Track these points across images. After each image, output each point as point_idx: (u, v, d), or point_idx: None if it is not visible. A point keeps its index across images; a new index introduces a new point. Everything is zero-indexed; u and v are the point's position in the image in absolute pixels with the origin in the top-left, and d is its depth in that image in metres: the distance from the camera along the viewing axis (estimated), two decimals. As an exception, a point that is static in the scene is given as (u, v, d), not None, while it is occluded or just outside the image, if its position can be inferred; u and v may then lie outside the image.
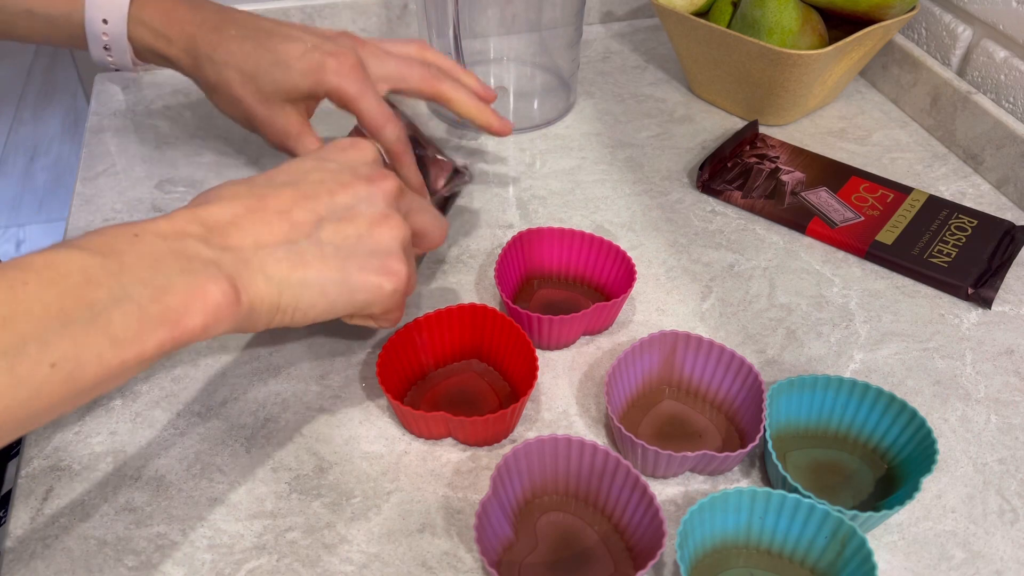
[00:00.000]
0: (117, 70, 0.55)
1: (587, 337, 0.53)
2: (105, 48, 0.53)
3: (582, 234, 0.54)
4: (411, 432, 0.47)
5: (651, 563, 0.37)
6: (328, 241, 0.38)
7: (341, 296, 0.38)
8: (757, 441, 0.43)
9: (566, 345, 0.52)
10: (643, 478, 0.40)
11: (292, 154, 0.54)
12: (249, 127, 0.55)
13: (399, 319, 0.44)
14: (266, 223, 0.36)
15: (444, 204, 0.56)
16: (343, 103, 0.52)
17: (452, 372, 0.50)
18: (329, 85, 0.51)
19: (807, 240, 0.61)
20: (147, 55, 0.54)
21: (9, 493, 0.59)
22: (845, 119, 0.75)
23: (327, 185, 0.39)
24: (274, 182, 0.38)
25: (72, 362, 0.29)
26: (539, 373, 0.50)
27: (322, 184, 0.39)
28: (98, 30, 0.52)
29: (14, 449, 0.60)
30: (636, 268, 0.53)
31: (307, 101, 0.53)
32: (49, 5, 0.52)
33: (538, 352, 0.51)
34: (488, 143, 0.71)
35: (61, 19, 0.53)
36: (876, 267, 0.59)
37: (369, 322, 0.43)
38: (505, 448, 0.46)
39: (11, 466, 0.60)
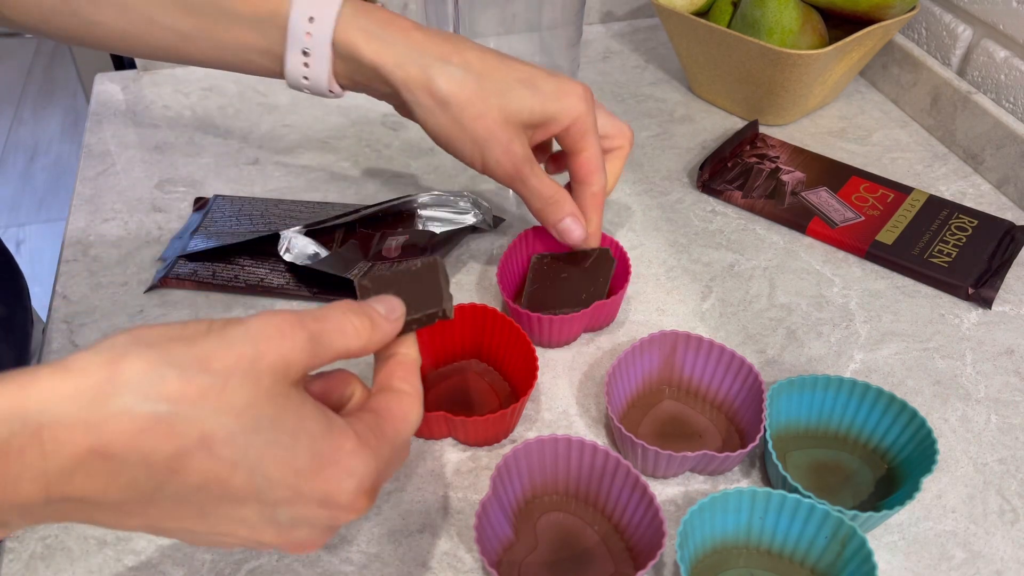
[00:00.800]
0: (310, 94, 0.48)
1: (587, 337, 0.53)
2: (304, 53, 0.45)
3: None
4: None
5: (651, 563, 0.37)
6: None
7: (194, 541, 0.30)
8: (757, 441, 0.43)
9: (567, 343, 0.52)
10: (643, 478, 0.40)
11: (519, 192, 0.49)
12: (476, 155, 0.47)
13: None
14: (121, 525, 0.28)
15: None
16: (575, 136, 0.48)
17: (452, 372, 0.50)
18: (577, 111, 0.47)
19: (807, 240, 0.61)
20: (352, 66, 0.46)
21: None
22: (845, 119, 0.75)
23: (243, 540, 0.30)
24: (180, 493, 0.27)
25: None
26: (539, 373, 0.50)
27: (238, 537, 0.29)
28: (301, 30, 0.45)
29: None
30: (631, 261, 0.53)
31: (542, 129, 0.48)
32: (252, 4, 0.46)
33: (539, 351, 0.51)
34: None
35: (266, 21, 0.46)
36: (876, 267, 0.59)
37: None
38: (505, 448, 0.46)
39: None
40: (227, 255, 0.56)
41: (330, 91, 0.47)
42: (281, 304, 0.54)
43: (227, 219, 0.59)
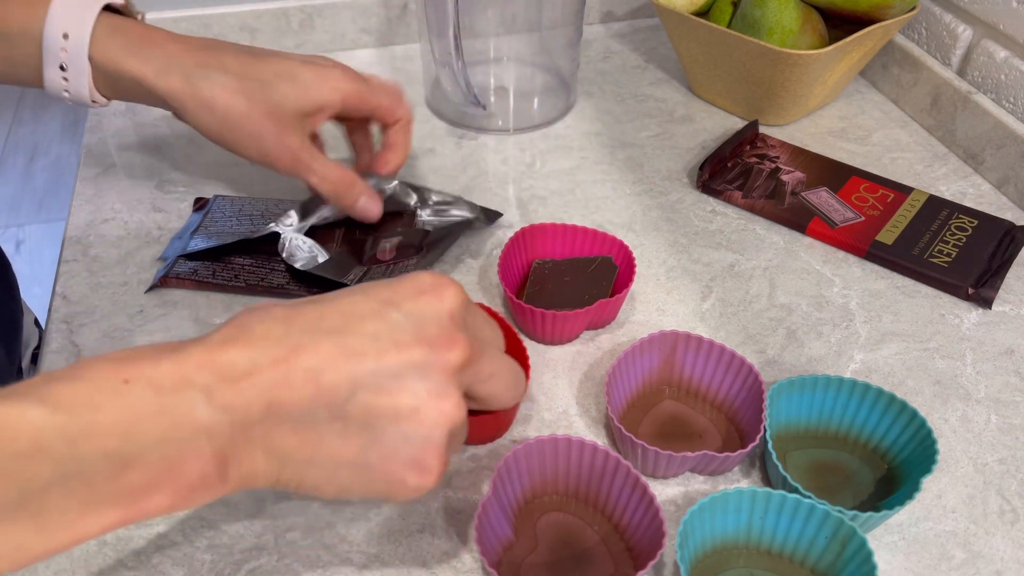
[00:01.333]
0: (74, 105, 0.49)
1: (587, 336, 0.53)
2: (61, 68, 0.45)
3: (584, 229, 0.55)
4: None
5: (651, 563, 0.37)
6: (356, 417, 0.30)
7: (355, 483, 0.31)
8: (757, 441, 0.43)
9: (568, 340, 0.52)
10: (643, 478, 0.40)
11: (305, 181, 0.51)
12: (253, 151, 0.49)
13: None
14: (289, 383, 0.29)
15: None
16: (357, 102, 0.50)
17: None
18: (342, 91, 0.49)
19: (807, 240, 0.61)
20: (113, 79, 0.47)
21: None
22: (845, 119, 0.75)
23: (379, 342, 0.31)
24: (319, 327, 0.31)
25: (7, 552, 0.24)
26: (539, 373, 0.50)
27: (374, 340, 0.31)
28: (56, 47, 0.45)
29: None
30: (636, 261, 0.54)
31: (314, 117, 0.50)
32: (4, 20, 0.45)
33: (539, 350, 0.51)
34: (488, 143, 0.71)
35: (17, 36, 0.45)
36: (876, 267, 0.59)
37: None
38: (505, 448, 0.46)
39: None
40: (227, 254, 0.56)
41: (93, 101, 0.48)
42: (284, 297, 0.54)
43: (227, 219, 0.59)
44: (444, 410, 0.31)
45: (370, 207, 0.53)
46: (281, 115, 0.48)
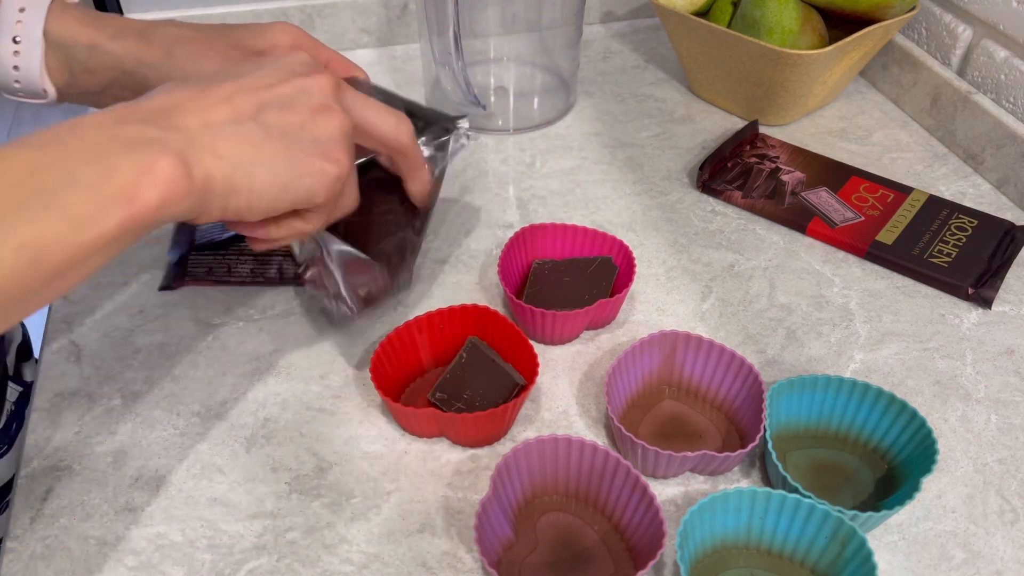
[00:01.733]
0: (23, 97, 0.49)
1: (587, 336, 0.53)
2: (15, 41, 0.46)
3: (584, 229, 0.55)
4: (405, 430, 0.47)
5: (651, 563, 0.37)
6: (273, 125, 0.38)
7: (291, 179, 0.38)
8: (757, 441, 0.43)
9: (568, 340, 0.52)
10: (643, 478, 0.40)
11: None
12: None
13: (329, 218, 0.43)
14: (209, 107, 0.36)
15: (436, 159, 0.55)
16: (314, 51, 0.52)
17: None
18: (288, 36, 0.51)
19: (807, 240, 0.61)
20: (66, 51, 0.47)
21: (9, 486, 0.59)
22: (845, 119, 0.75)
23: (266, 79, 0.39)
24: (213, 78, 0.38)
25: (35, 244, 0.29)
26: (539, 373, 0.50)
27: (262, 78, 0.39)
28: (12, 19, 0.46)
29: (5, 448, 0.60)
30: (636, 261, 0.54)
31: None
32: None
33: (539, 350, 0.51)
34: (488, 142, 0.71)
35: None
36: (876, 267, 0.59)
37: (300, 223, 0.42)
38: (505, 448, 0.46)
39: (8, 466, 0.60)
40: (237, 242, 0.56)
41: (43, 89, 0.48)
42: (284, 297, 0.54)
43: None
44: (333, 116, 0.40)
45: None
46: (239, 48, 0.50)
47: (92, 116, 0.33)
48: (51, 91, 0.48)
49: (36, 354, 0.66)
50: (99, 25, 0.48)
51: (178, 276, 0.55)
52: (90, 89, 0.49)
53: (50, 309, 0.54)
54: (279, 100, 0.38)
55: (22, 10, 0.46)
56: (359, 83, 0.53)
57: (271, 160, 0.37)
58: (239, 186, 0.36)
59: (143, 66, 0.48)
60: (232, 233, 0.55)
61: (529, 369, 0.46)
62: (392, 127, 0.44)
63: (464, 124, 0.54)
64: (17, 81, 0.47)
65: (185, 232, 0.57)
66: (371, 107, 0.43)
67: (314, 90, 0.40)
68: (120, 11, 0.77)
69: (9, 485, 0.59)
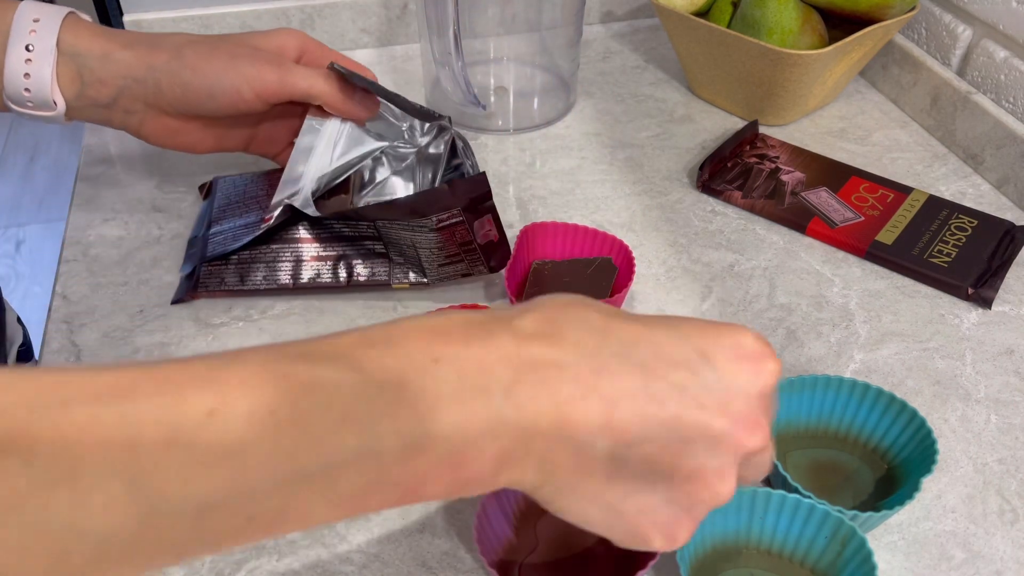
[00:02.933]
0: (32, 109, 0.49)
1: (587, 337, 0.53)
2: (27, 49, 0.46)
3: (584, 229, 0.55)
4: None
5: (651, 563, 0.37)
6: (633, 464, 0.28)
7: (601, 521, 0.30)
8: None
9: (566, 345, 0.52)
10: None
11: (295, 88, 0.51)
12: (234, 76, 0.49)
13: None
14: (584, 404, 0.28)
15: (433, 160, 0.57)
16: (312, 58, 0.54)
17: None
18: (296, 40, 0.52)
19: (807, 240, 0.61)
20: (79, 65, 0.48)
21: None
22: (845, 119, 0.75)
23: (684, 398, 0.28)
24: (629, 355, 0.29)
25: (271, 519, 0.24)
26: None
27: (679, 392, 0.28)
28: (25, 28, 0.46)
29: None
30: (636, 261, 0.54)
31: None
32: None
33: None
34: (488, 143, 0.71)
35: None
36: (876, 267, 0.59)
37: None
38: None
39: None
40: (246, 249, 0.54)
41: (53, 100, 0.48)
42: (284, 297, 0.54)
43: (234, 206, 0.58)
44: (718, 491, 0.29)
45: (368, 103, 0.54)
46: (246, 44, 0.50)
47: (467, 348, 0.27)
48: (60, 103, 0.49)
49: (36, 356, 0.66)
50: (110, 37, 0.48)
51: (191, 289, 0.54)
52: (99, 101, 0.49)
53: (50, 309, 0.54)
54: (671, 433, 0.28)
55: (36, 20, 0.47)
56: (368, 84, 0.53)
57: (593, 496, 0.29)
58: (540, 496, 0.29)
59: (154, 70, 0.48)
60: (242, 243, 0.54)
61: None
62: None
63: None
64: (27, 90, 0.48)
65: (198, 245, 0.57)
66: (761, 468, 0.32)
67: (728, 448, 0.29)
68: (120, 11, 0.77)
69: None
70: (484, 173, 0.50)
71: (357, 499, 0.25)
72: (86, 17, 0.50)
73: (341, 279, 0.53)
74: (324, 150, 0.55)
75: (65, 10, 0.48)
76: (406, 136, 0.58)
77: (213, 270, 0.54)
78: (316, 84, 0.51)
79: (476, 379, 0.26)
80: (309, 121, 0.55)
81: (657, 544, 0.30)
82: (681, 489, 0.29)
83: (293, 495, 0.24)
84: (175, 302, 0.54)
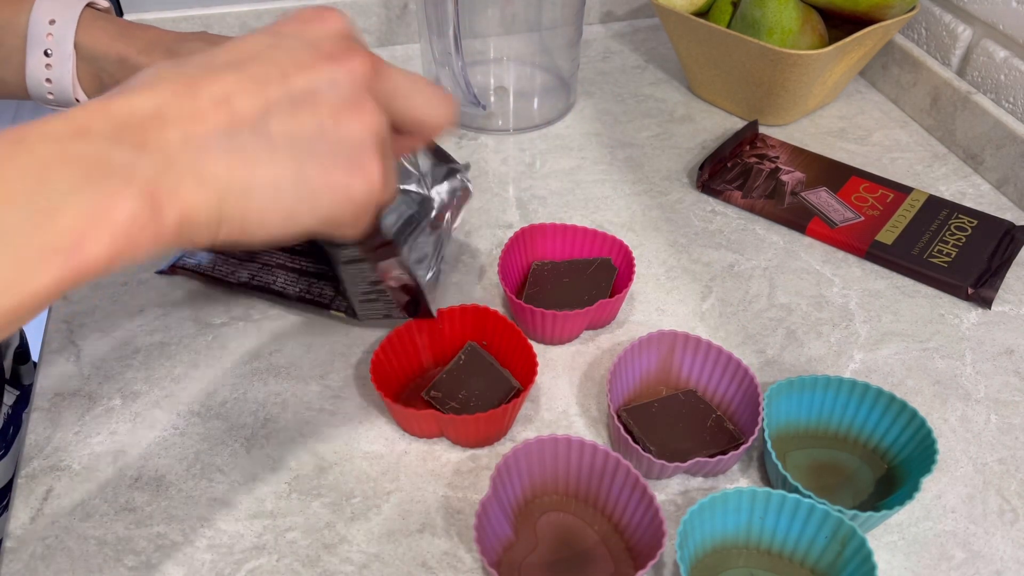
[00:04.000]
0: (56, 106, 0.47)
1: (587, 336, 0.53)
2: (46, 54, 0.45)
3: (584, 229, 0.55)
4: (405, 430, 0.47)
5: (651, 563, 0.37)
6: (280, 133, 0.29)
7: (300, 202, 0.30)
8: (750, 443, 0.43)
9: (568, 340, 0.52)
10: (643, 478, 0.40)
11: None
12: None
13: (366, 228, 0.34)
14: (198, 113, 0.28)
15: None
16: None
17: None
18: None
19: (807, 240, 0.61)
20: (97, 64, 0.47)
21: (6, 489, 0.59)
22: (845, 119, 0.75)
23: (280, 65, 0.30)
24: (213, 63, 0.30)
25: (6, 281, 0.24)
26: (539, 373, 0.50)
27: (274, 64, 0.30)
28: (42, 32, 0.45)
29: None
30: (636, 261, 0.54)
31: None
32: None
33: (539, 350, 0.51)
34: (488, 143, 0.71)
35: (1, 30, 0.46)
36: (876, 267, 0.59)
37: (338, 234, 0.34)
38: (505, 448, 0.46)
39: (6, 469, 0.60)
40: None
41: (76, 99, 0.47)
42: (276, 310, 0.54)
43: None
44: (364, 114, 0.31)
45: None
46: None
47: (49, 122, 0.26)
48: (84, 99, 0.48)
49: (34, 358, 0.66)
50: (129, 38, 0.47)
51: (171, 265, 0.56)
52: None
53: (50, 309, 0.54)
54: (293, 97, 0.30)
55: (52, 22, 0.46)
56: None
57: (271, 179, 0.29)
58: (231, 217, 0.29)
59: None
60: None
61: (528, 370, 0.46)
62: (441, 118, 0.36)
63: (467, 175, 0.54)
64: (50, 93, 0.47)
65: None
66: (417, 94, 0.35)
67: (342, 80, 0.31)
68: (120, 11, 0.77)
69: (6, 488, 0.59)
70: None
71: (13, 282, 0.24)
72: (104, 3, 0.48)
73: (292, 292, 0.53)
74: None
75: (82, 4, 0.47)
76: (417, 184, 0.57)
77: (196, 251, 0.56)
78: None
79: (75, 137, 0.26)
80: None
81: (358, 185, 0.31)
82: (335, 131, 0.30)
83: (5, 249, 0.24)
84: (158, 272, 0.57)
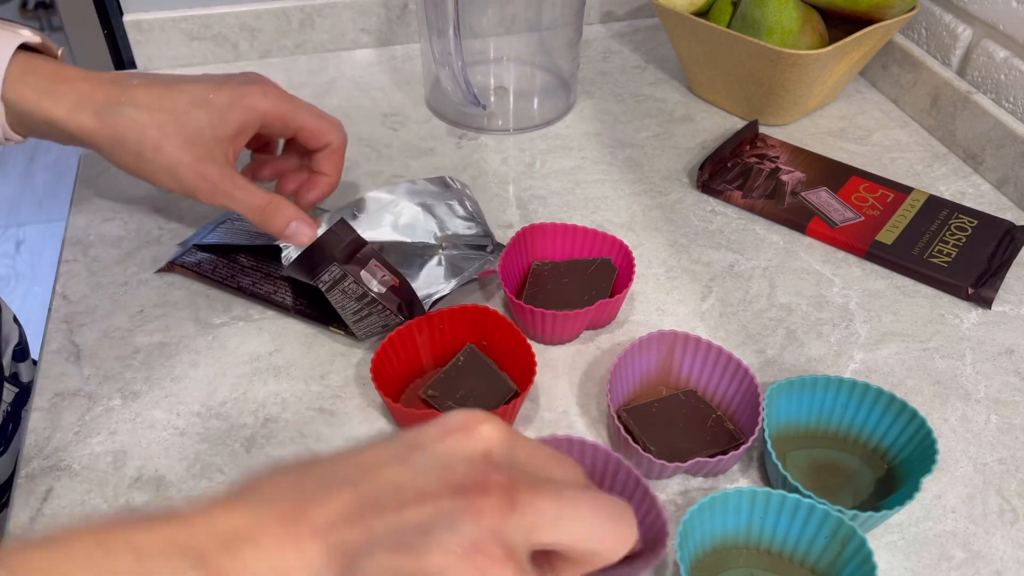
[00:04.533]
0: None
1: (587, 336, 0.53)
2: None
3: (584, 229, 0.55)
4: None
5: (654, 562, 0.37)
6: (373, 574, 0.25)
7: None
8: (750, 443, 0.43)
9: (568, 340, 0.52)
10: (643, 478, 0.40)
11: (232, 208, 0.48)
12: (171, 183, 0.48)
13: None
14: (294, 543, 0.25)
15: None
16: (279, 122, 0.49)
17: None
18: (261, 108, 0.48)
19: (807, 240, 0.61)
20: (27, 120, 0.47)
21: (6, 486, 0.59)
22: (845, 119, 0.75)
23: (400, 491, 0.26)
24: (333, 478, 0.27)
25: None
26: (538, 373, 0.50)
27: (395, 490, 0.26)
28: None
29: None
30: (636, 261, 0.54)
31: (234, 142, 0.49)
32: None
33: (539, 350, 0.51)
34: (488, 143, 0.71)
35: None
36: (876, 267, 0.59)
37: None
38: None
39: (5, 466, 0.60)
40: (234, 252, 0.56)
41: (6, 139, 0.47)
42: (271, 313, 0.54)
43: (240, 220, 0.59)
44: (482, 568, 0.25)
45: (301, 231, 0.49)
46: (197, 144, 0.46)
47: (137, 530, 0.25)
48: (16, 138, 0.48)
49: (33, 355, 0.66)
50: (56, 97, 0.46)
51: (170, 262, 0.56)
52: (56, 140, 0.49)
53: (50, 309, 0.54)
54: (400, 532, 0.25)
55: None
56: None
57: None
58: None
59: (99, 149, 0.47)
60: (232, 241, 0.55)
61: (527, 370, 0.46)
62: (611, 546, 0.28)
63: (492, 257, 0.54)
64: None
65: (197, 238, 0.58)
66: (576, 521, 0.27)
67: (465, 520, 0.25)
68: (120, 11, 0.77)
69: (6, 485, 0.59)
70: (342, 219, 0.47)
71: None
72: (35, 39, 0.46)
73: (290, 303, 0.53)
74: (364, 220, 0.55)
75: (12, 48, 0.45)
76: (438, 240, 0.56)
77: (198, 254, 0.56)
78: (245, 212, 0.49)
79: (159, 555, 0.25)
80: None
81: None
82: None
83: None
84: (158, 271, 0.57)
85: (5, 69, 0.45)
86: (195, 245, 0.57)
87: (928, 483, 0.45)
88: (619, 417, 0.45)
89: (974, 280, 0.56)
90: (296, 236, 0.49)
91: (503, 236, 0.61)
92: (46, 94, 0.46)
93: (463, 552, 0.25)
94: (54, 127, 0.46)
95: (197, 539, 0.25)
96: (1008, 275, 0.58)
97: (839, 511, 0.39)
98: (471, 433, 0.28)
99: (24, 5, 2.48)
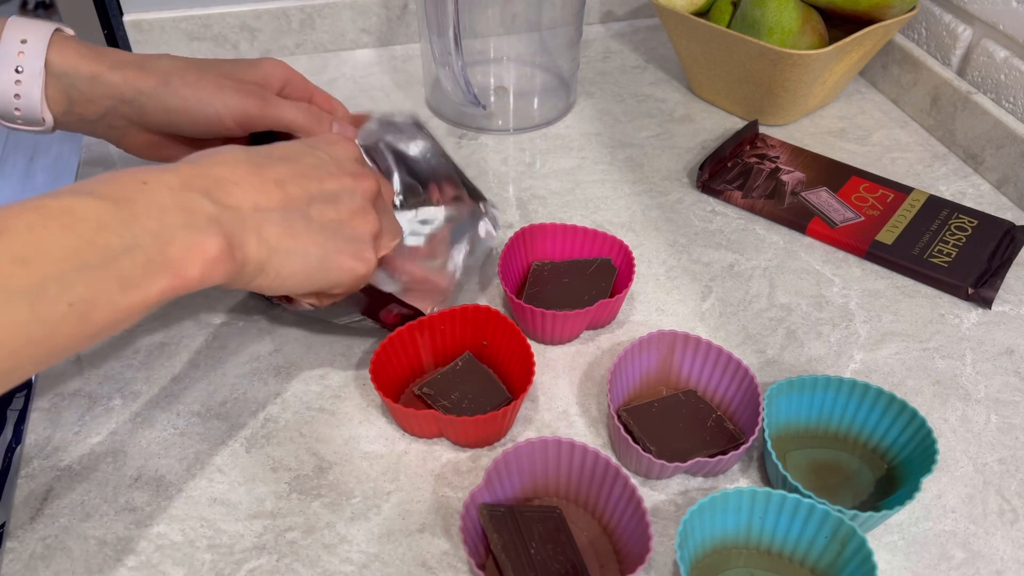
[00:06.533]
0: (21, 125, 0.49)
1: (587, 336, 0.53)
2: (16, 71, 0.47)
3: (584, 229, 0.55)
4: (405, 430, 0.47)
5: (640, 567, 0.36)
6: (316, 219, 0.40)
7: (318, 271, 0.40)
8: (750, 443, 0.43)
9: (568, 340, 0.52)
10: (633, 482, 0.39)
11: (276, 122, 0.51)
12: (219, 105, 0.50)
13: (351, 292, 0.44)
14: (264, 189, 0.38)
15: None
16: (301, 83, 0.54)
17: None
18: (279, 67, 0.53)
19: (807, 240, 0.61)
20: (67, 82, 0.48)
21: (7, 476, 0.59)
22: (845, 119, 0.75)
23: (319, 171, 0.41)
24: (271, 155, 0.40)
25: (87, 304, 0.31)
26: (538, 373, 0.50)
27: (315, 168, 0.41)
28: (13, 50, 0.47)
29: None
30: (636, 261, 0.54)
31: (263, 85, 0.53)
32: None
33: (539, 350, 0.51)
34: (488, 143, 0.71)
35: None
36: (876, 267, 0.59)
37: (313, 300, 0.44)
38: (505, 448, 0.46)
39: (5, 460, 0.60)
40: None
41: (42, 118, 0.48)
42: (276, 310, 0.54)
43: None
44: (369, 220, 0.42)
45: (345, 131, 0.53)
46: (233, 78, 0.50)
47: (162, 175, 0.35)
48: (49, 119, 0.49)
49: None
50: (98, 57, 0.49)
51: None
52: (87, 117, 0.50)
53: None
54: (326, 195, 0.41)
55: (24, 41, 0.47)
56: (387, 120, 0.54)
57: (306, 251, 0.39)
58: (270, 270, 0.38)
59: (141, 95, 0.49)
60: None
61: (526, 371, 0.46)
62: (391, 242, 0.46)
63: (493, 209, 0.54)
64: (17, 109, 0.48)
65: None
66: (390, 217, 0.46)
67: (357, 193, 0.42)
68: (120, 11, 0.77)
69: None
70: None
71: (140, 284, 0.32)
72: (69, 31, 0.49)
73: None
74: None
75: (52, 27, 0.48)
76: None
77: None
78: (297, 117, 0.51)
79: (182, 190, 0.35)
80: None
81: (360, 268, 0.42)
82: (350, 227, 0.42)
83: (91, 281, 0.31)
84: None
85: (51, 34, 0.47)
86: None
87: (928, 483, 0.45)
88: (619, 417, 0.45)
89: (974, 280, 0.56)
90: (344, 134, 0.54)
91: (503, 236, 0.61)
92: (88, 55, 0.48)
93: (357, 211, 0.42)
94: (96, 82, 0.48)
95: (199, 180, 0.36)
96: (1008, 275, 0.58)
97: (839, 511, 0.39)
98: (346, 144, 0.45)
99: (24, 5, 2.48)
